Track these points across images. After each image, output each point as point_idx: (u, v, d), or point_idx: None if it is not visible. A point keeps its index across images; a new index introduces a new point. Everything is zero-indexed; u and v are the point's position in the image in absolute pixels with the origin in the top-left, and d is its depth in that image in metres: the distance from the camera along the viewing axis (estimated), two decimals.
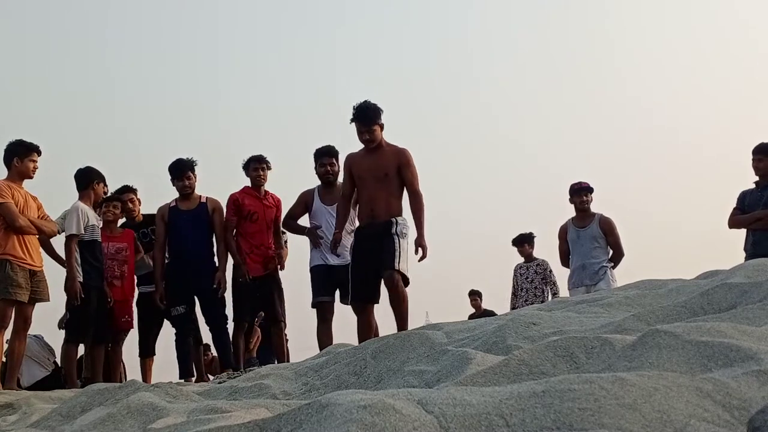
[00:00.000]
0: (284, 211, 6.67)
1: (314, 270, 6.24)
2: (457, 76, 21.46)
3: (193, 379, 6.35)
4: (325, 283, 6.13)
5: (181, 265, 6.46)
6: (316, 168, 6.38)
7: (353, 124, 5.45)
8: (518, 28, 22.00)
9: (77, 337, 6.39)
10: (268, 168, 6.72)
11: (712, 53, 20.38)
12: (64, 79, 19.61)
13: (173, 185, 6.58)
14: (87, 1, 21.14)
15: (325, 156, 6.33)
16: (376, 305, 5.51)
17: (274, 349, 6.92)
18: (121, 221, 7.02)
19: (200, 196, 6.64)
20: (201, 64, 21.56)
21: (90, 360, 6.56)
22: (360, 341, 5.05)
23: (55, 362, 6.78)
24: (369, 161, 5.50)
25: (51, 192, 7.25)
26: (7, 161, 5.90)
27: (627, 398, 1.53)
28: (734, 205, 6.59)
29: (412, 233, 5.41)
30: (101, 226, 6.71)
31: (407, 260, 5.33)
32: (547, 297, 8.41)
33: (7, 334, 5.79)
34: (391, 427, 1.53)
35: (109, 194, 6.83)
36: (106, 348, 6.80)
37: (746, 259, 6.27)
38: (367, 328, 5.36)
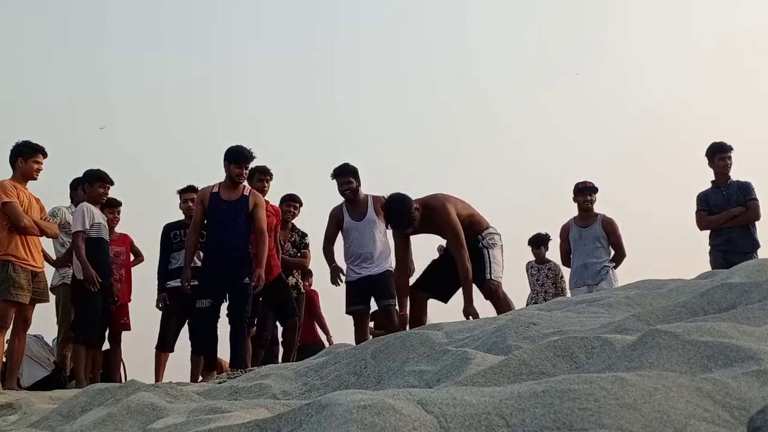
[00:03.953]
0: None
1: (348, 283, 6.59)
2: (457, 75, 21.43)
3: (215, 372, 6.32)
4: (358, 293, 6.51)
5: (215, 257, 6.31)
6: (338, 188, 6.71)
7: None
8: (518, 28, 21.97)
9: (85, 337, 6.38)
10: (271, 179, 6.93)
11: (712, 53, 20.37)
12: (63, 79, 19.57)
13: (227, 170, 6.38)
14: (85, 2, 21.11)
15: (340, 176, 6.65)
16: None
17: (284, 343, 6.97)
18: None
19: (244, 187, 6.48)
20: (200, 66, 21.53)
21: (74, 358, 6.56)
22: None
23: (55, 362, 6.79)
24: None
25: (49, 193, 7.25)
26: (12, 161, 5.90)
27: (627, 398, 1.53)
28: (696, 208, 6.70)
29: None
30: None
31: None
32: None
33: (7, 334, 5.80)
34: (391, 427, 1.53)
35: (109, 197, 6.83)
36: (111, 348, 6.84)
37: (719, 255, 6.37)
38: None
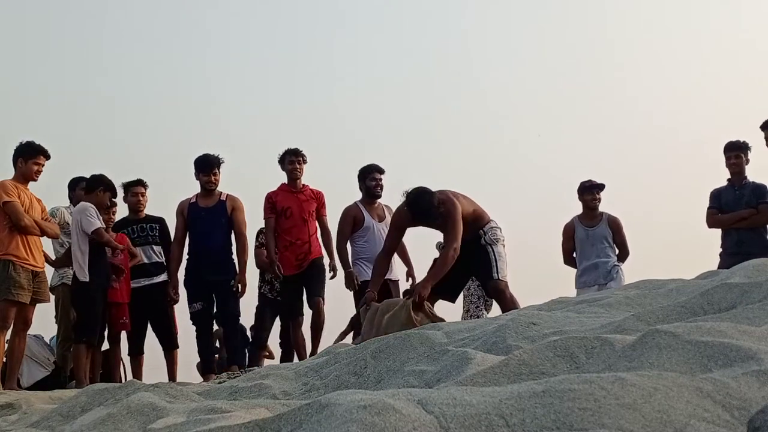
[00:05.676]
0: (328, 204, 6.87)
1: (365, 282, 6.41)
2: (457, 75, 21.43)
3: (214, 375, 6.34)
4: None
5: (197, 261, 6.54)
6: (366, 182, 6.65)
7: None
8: (518, 28, 21.98)
9: (86, 337, 6.37)
10: (304, 161, 6.84)
11: (712, 53, 20.37)
12: (63, 79, 19.57)
13: (197, 179, 6.64)
14: (85, 2, 21.10)
15: (374, 171, 6.69)
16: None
17: (293, 342, 6.93)
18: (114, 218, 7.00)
19: (221, 193, 6.68)
20: (200, 66, 21.53)
21: (74, 358, 6.56)
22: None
23: (55, 362, 6.79)
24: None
25: (50, 193, 7.24)
26: (14, 161, 5.94)
27: (627, 398, 1.53)
28: (708, 204, 6.62)
29: None
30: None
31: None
32: (483, 313, 7.40)
33: (8, 334, 5.80)
34: (391, 427, 1.53)
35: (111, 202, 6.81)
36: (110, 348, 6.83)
37: (728, 258, 6.26)
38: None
